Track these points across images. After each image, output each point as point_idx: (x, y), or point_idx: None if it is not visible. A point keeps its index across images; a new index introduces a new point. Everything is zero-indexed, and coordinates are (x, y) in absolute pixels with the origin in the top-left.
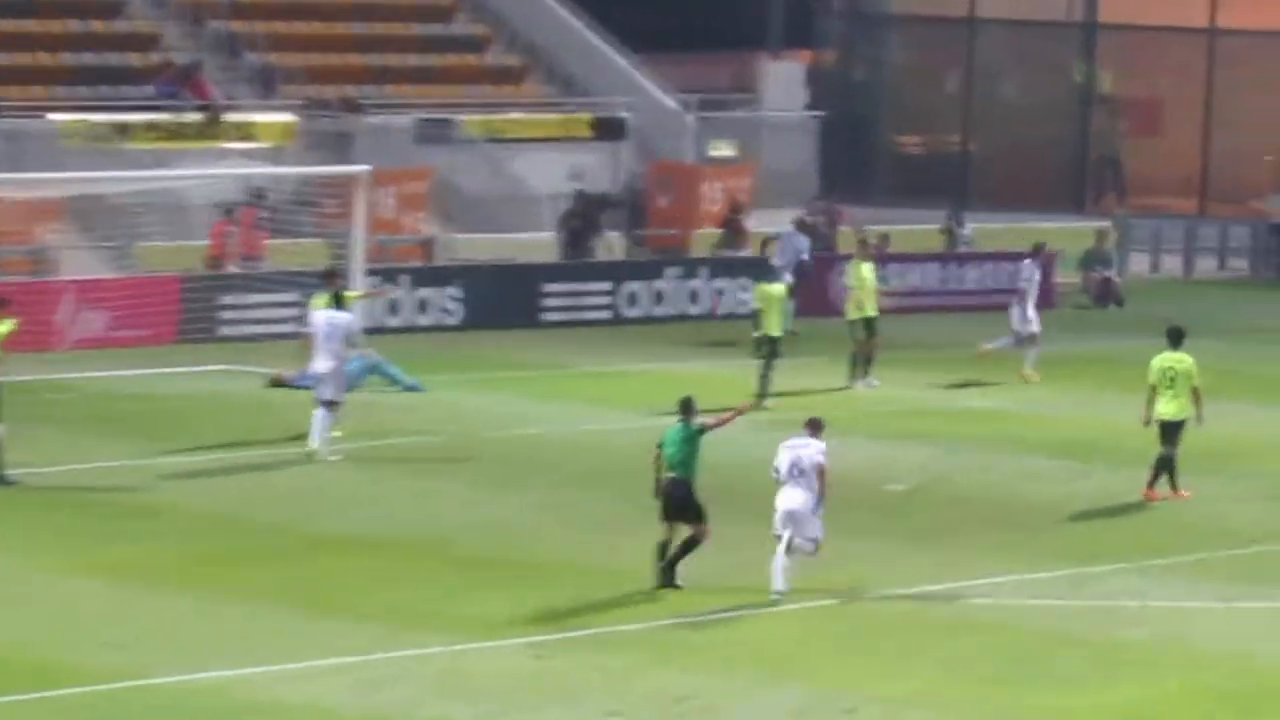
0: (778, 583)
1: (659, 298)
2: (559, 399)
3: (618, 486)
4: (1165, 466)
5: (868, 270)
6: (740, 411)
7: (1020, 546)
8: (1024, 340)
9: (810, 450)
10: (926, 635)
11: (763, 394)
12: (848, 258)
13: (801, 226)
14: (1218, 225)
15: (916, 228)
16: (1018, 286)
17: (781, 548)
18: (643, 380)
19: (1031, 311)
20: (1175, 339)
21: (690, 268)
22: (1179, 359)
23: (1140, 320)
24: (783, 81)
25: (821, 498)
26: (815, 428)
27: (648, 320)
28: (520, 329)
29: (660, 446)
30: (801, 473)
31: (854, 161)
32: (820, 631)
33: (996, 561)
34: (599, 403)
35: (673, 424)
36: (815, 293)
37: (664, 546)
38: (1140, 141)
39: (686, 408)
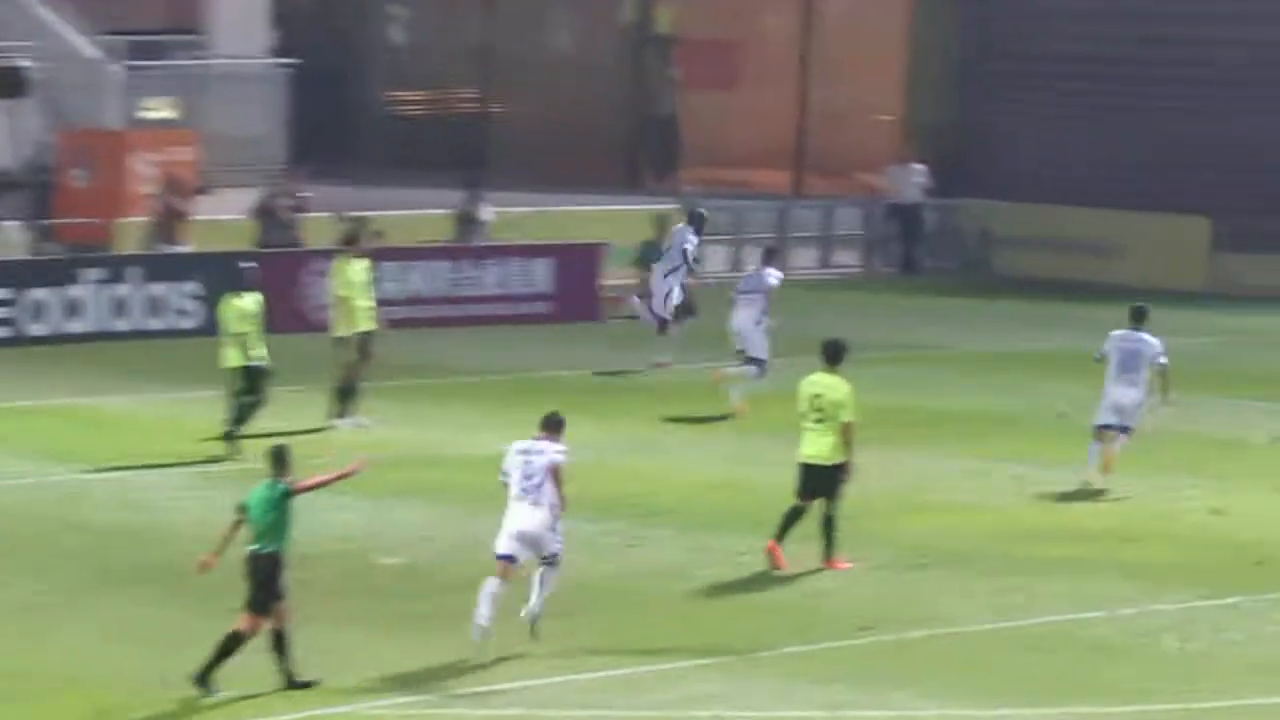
0: (483, 614)
1: (74, 309)
2: None
3: (18, 563)
4: (829, 524)
5: (359, 271)
6: (346, 474)
7: (560, 637)
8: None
9: (545, 458)
10: None
11: (231, 436)
12: (329, 254)
13: (263, 213)
14: (819, 207)
15: (420, 213)
16: (761, 288)
17: (493, 584)
18: (52, 419)
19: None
20: (832, 356)
21: (116, 269)
22: (831, 384)
23: (718, 335)
24: (239, 20)
25: (559, 506)
26: (554, 427)
27: (59, 339)
28: None
29: (242, 510)
30: (537, 484)
31: (336, 126)
32: None
33: (529, 660)
34: None
35: (260, 483)
36: (284, 301)
37: (279, 637)
38: (712, 97)
39: (278, 461)
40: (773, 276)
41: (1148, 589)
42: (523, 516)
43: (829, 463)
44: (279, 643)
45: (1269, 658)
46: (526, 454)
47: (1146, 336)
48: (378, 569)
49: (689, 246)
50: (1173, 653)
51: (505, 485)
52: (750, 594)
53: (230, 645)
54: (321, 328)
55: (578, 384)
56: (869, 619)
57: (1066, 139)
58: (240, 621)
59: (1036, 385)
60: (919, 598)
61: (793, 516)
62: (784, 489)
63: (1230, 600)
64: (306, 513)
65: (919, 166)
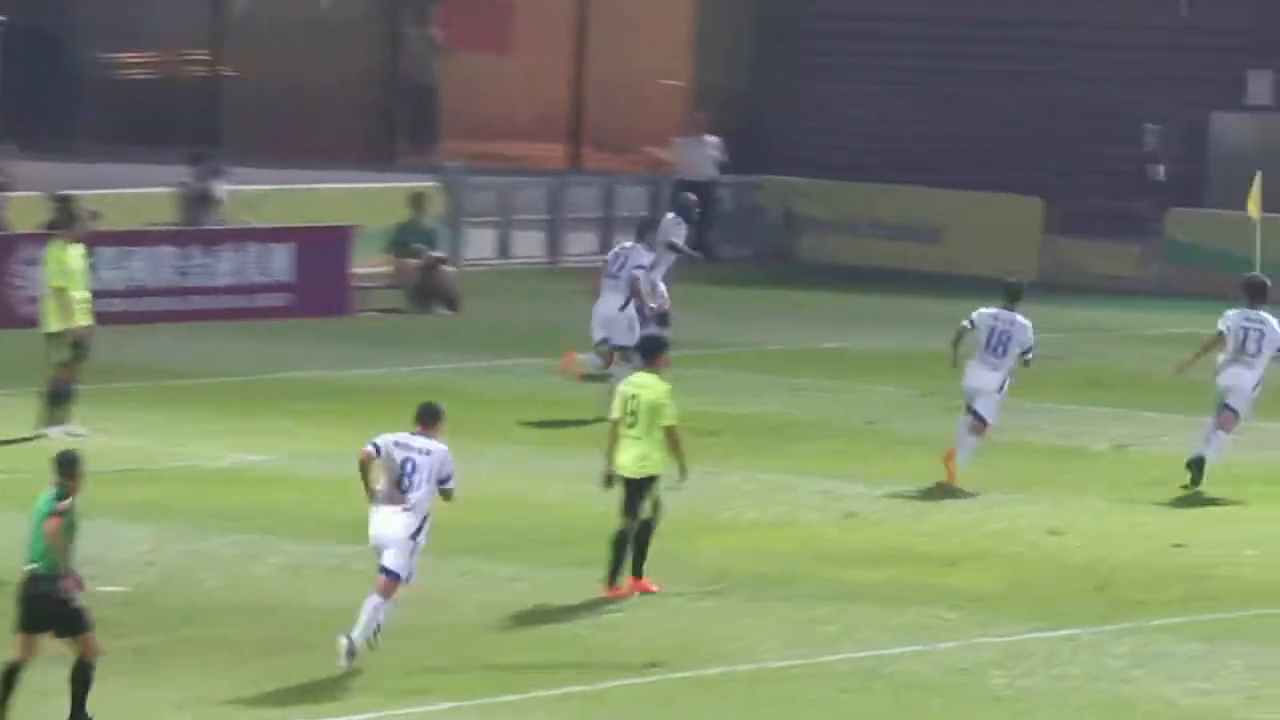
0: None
1: None
2: None
3: None
4: (620, 545)
5: (75, 258)
6: (70, 576)
7: (304, 673)
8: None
9: (433, 459)
10: None
11: None
12: (39, 239)
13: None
14: (598, 184)
15: (144, 192)
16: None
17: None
18: None
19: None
20: (648, 352)
21: None
22: (643, 383)
23: (483, 332)
24: None
25: (424, 526)
26: (431, 420)
27: None
28: None
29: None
30: (412, 485)
31: (47, 92)
32: None
33: (271, 699)
34: None
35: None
36: None
37: (11, 673)
38: (478, 61)
39: (63, 468)
40: (637, 265)
41: (974, 619)
42: (386, 521)
43: (636, 475)
44: (82, 679)
45: (1108, 696)
46: (405, 449)
47: (1019, 319)
48: (96, 598)
49: (668, 239)
50: (1000, 691)
51: (368, 464)
52: (524, 626)
53: (8, 681)
54: (30, 323)
55: (323, 387)
56: (658, 653)
57: (881, 108)
58: (14, 648)
59: (846, 388)
60: (715, 629)
61: (620, 542)
62: (568, 508)
63: (1066, 631)
64: (6, 534)
65: (712, 139)
